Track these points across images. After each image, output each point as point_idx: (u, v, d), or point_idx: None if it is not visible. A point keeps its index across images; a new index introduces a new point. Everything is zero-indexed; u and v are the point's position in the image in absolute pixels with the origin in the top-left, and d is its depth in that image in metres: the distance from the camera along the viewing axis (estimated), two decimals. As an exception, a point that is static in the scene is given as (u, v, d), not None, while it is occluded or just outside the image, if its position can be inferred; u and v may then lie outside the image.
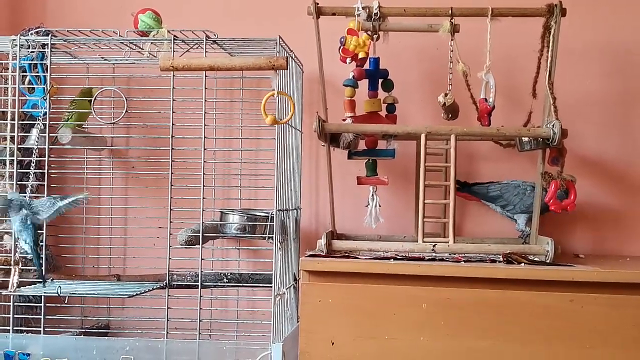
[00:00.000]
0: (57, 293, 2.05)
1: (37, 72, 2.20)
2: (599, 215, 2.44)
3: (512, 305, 1.84)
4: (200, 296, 2.17)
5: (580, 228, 2.44)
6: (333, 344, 1.89)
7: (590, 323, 1.82)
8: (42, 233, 2.20)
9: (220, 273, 2.32)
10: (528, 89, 2.18)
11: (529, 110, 2.22)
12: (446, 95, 2.10)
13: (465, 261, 1.96)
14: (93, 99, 2.26)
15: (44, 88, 2.18)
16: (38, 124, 2.19)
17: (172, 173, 2.17)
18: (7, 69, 2.25)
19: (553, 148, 2.09)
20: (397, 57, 2.33)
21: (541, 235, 2.10)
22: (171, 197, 2.17)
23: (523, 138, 2.14)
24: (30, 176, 2.16)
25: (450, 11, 2.09)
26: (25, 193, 2.14)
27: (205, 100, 2.17)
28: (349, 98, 2.15)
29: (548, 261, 1.98)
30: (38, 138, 2.20)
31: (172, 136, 2.17)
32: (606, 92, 2.44)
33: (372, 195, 2.25)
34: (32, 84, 2.21)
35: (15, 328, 2.14)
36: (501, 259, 1.97)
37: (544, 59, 2.12)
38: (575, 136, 2.27)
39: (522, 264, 1.92)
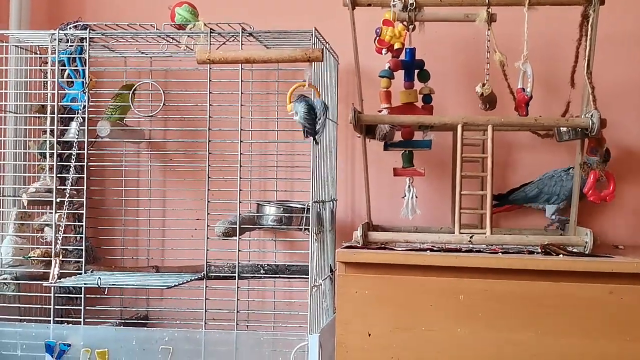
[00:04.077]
0: (97, 284, 2.08)
1: (76, 66, 2.23)
2: (639, 205, 2.41)
3: (550, 297, 1.82)
4: (238, 287, 2.18)
5: (620, 218, 2.41)
6: (370, 335, 1.89)
7: (630, 315, 1.79)
8: (82, 225, 2.23)
9: (257, 264, 2.33)
10: (566, 79, 2.16)
11: (567, 100, 2.20)
12: (484, 85, 2.08)
13: (502, 252, 1.95)
14: (131, 93, 2.29)
15: (82, 81, 2.21)
16: (77, 117, 2.22)
17: (209, 165, 2.18)
18: (47, 63, 2.29)
19: (592, 138, 2.07)
20: (433, 48, 2.32)
21: (580, 226, 2.08)
22: (208, 189, 2.18)
23: (561, 128, 2.12)
24: (70, 169, 2.19)
25: (486, 0, 2.08)
26: (65, 186, 2.18)
27: (242, 93, 2.17)
28: (385, 89, 2.14)
29: (587, 252, 1.96)
30: (77, 131, 2.23)
31: (209, 128, 2.18)
32: (646, 80, 2.41)
33: (409, 186, 2.25)
34: (71, 78, 2.24)
35: (55, 319, 2.18)
36: (539, 250, 1.95)
37: (582, 48, 2.09)
38: (615, 126, 2.24)
39: (561, 255, 1.91)
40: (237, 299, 2.17)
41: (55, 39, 2.20)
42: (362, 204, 2.30)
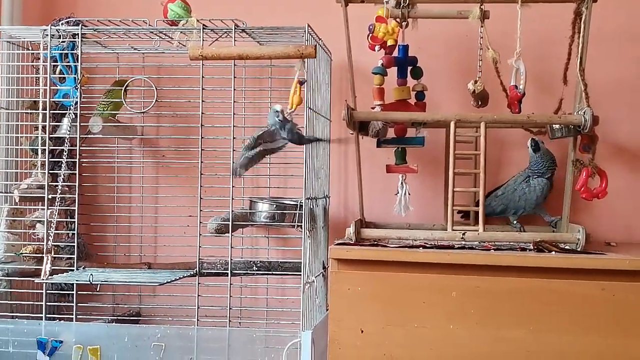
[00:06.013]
0: (89, 281, 2.07)
1: (68, 62, 2.22)
2: (631, 202, 2.41)
3: (543, 294, 1.82)
4: (230, 284, 2.18)
5: (612, 215, 2.41)
6: (362, 331, 1.89)
7: (622, 312, 1.80)
8: (74, 222, 2.23)
9: (250, 261, 2.33)
10: (559, 76, 2.17)
11: (560, 97, 2.20)
12: (476, 82, 2.08)
13: (495, 249, 1.95)
14: (123, 89, 2.28)
15: (74, 78, 2.20)
16: (69, 113, 2.21)
17: (201, 162, 2.18)
18: (39, 58, 2.28)
19: (584, 135, 2.07)
20: (426, 45, 2.32)
21: (572, 223, 2.08)
22: (201, 186, 2.18)
23: (554, 125, 2.12)
24: (61, 165, 2.18)
25: (480, -3, 2.08)
26: (57, 182, 2.17)
27: (235, 89, 2.17)
28: (378, 86, 2.14)
29: (579, 249, 1.96)
30: (69, 127, 2.22)
31: (201, 125, 2.18)
32: (639, 77, 2.41)
33: (402, 183, 2.25)
34: (63, 74, 2.23)
35: (47, 315, 2.17)
36: (532, 247, 1.96)
37: (574, 45, 2.10)
38: (607, 123, 2.24)
39: (553, 252, 1.91)
40: (230, 296, 2.17)
41: (47, 35, 2.19)
42: (355, 201, 2.30)
